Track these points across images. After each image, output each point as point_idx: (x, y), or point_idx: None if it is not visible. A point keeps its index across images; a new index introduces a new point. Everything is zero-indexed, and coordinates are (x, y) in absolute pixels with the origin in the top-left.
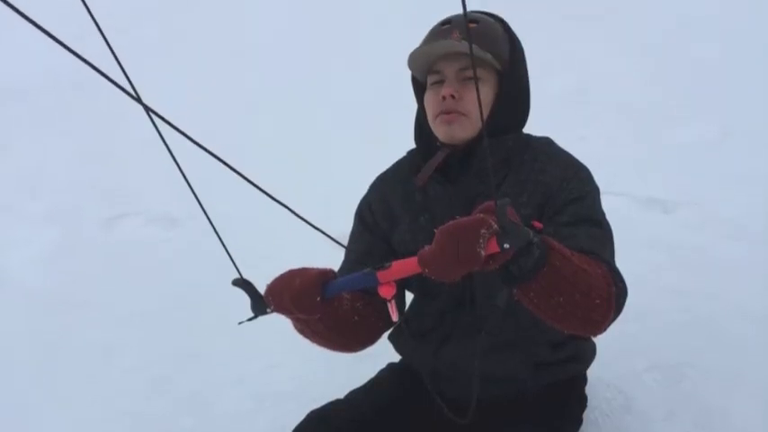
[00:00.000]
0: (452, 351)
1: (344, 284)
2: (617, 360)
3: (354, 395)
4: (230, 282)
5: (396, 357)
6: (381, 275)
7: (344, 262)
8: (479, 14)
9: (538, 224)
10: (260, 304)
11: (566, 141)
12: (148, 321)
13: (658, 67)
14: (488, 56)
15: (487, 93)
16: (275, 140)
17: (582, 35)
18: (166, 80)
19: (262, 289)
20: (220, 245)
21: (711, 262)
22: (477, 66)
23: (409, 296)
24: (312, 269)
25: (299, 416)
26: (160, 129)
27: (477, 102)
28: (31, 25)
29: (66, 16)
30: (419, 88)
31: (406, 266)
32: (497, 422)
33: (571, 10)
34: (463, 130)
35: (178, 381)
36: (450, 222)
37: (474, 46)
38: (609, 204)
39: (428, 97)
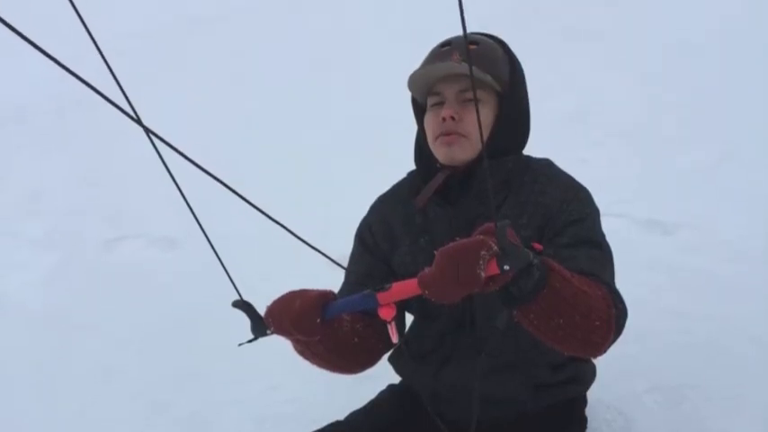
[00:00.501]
0: (452, 373)
1: (344, 306)
2: (617, 382)
3: (354, 417)
4: (230, 303)
5: (396, 379)
6: (381, 297)
7: (344, 283)
8: (479, 36)
9: (538, 246)
10: (260, 326)
11: (566, 163)
12: (148, 343)
13: (658, 90)
14: (488, 77)
15: (487, 114)
16: (275, 162)
17: (582, 57)
18: (166, 101)
19: (262, 311)
20: (220, 266)
21: (711, 283)
22: (477, 87)
23: (409, 318)
24: (312, 291)
25: None
26: (160, 150)
27: (477, 123)
28: (29, 46)
29: (66, 37)
30: (419, 110)
31: (406, 288)
32: None
33: (571, 32)
34: (463, 151)
35: (178, 402)
36: (451, 244)
37: (474, 68)
38: (609, 226)
39: (428, 119)
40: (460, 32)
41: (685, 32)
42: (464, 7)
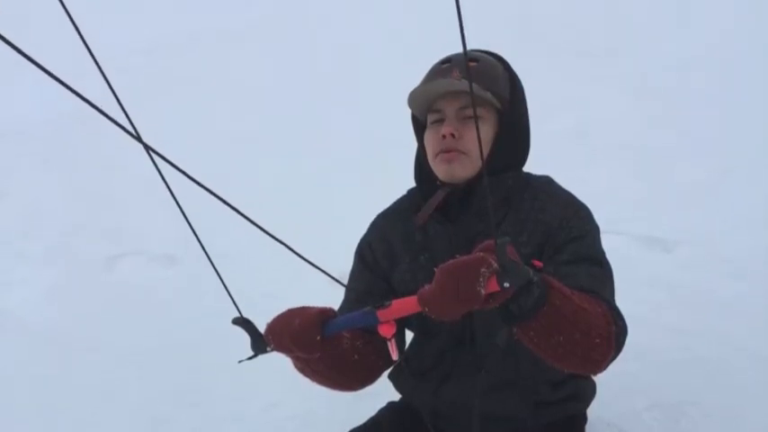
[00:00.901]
0: (452, 390)
1: (344, 323)
2: (617, 399)
3: None
4: (230, 320)
5: (396, 396)
6: (381, 314)
7: (344, 301)
8: (480, 53)
9: (538, 263)
10: (260, 343)
11: (566, 180)
12: (149, 360)
13: (658, 107)
14: (488, 95)
15: (487, 131)
16: (275, 178)
17: (582, 74)
18: (166, 119)
19: (262, 328)
20: (220, 283)
21: (711, 301)
22: (477, 104)
23: (409, 335)
24: (312, 308)
25: None
26: (160, 168)
27: (477, 140)
28: (30, 64)
29: (66, 55)
30: (419, 127)
31: (406, 305)
32: None
33: (571, 49)
34: (463, 168)
35: (178, 419)
36: (450, 261)
37: (474, 85)
38: (609, 243)
39: (428, 136)
40: (461, 50)
41: (684, 46)
42: (464, 25)
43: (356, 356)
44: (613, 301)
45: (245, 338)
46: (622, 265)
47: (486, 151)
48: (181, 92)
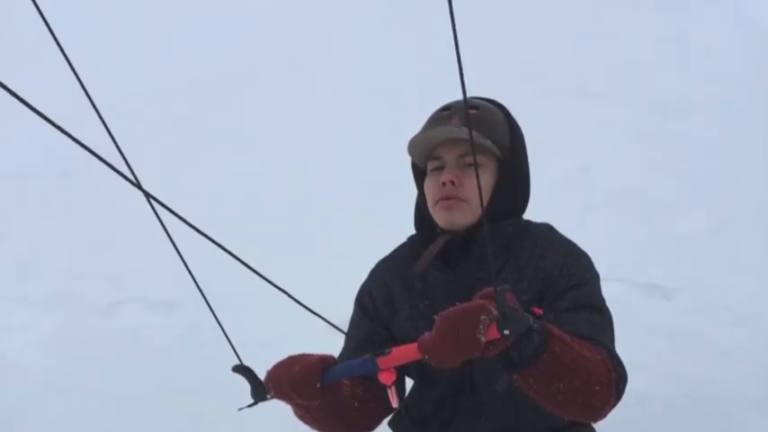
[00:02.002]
0: None
1: (344, 371)
2: None
3: None
4: (230, 368)
5: None
6: (381, 362)
7: (344, 348)
8: (479, 101)
9: (538, 310)
10: (260, 390)
11: (565, 227)
12: (149, 407)
13: (659, 152)
14: (488, 142)
15: (487, 179)
16: (275, 225)
17: (582, 121)
18: (166, 164)
19: (262, 375)
20: (220, 330)
21: (712, 348)
22: (476, 152)
23: (409, 382)
24: (312, 355)
25: None
26: (160, 214)
27: (477, 188)
28: (28, 110)
29: (65, 101)
30: (419, 174)
31: (406, 353)
32: None
33: (571, 93)
34: (463, 216)
35: None
36: (450, 309)
37: (474, 132)
38: (609, 291)
39: (428, 183)
40: (460, 97)
41: (685, 93)
42: (464, 71)
43: (356, 404)
44: (613, 348)
45: (245, 386)
46: (622, 313)
47: (486, 199)
48: (180, 137)
